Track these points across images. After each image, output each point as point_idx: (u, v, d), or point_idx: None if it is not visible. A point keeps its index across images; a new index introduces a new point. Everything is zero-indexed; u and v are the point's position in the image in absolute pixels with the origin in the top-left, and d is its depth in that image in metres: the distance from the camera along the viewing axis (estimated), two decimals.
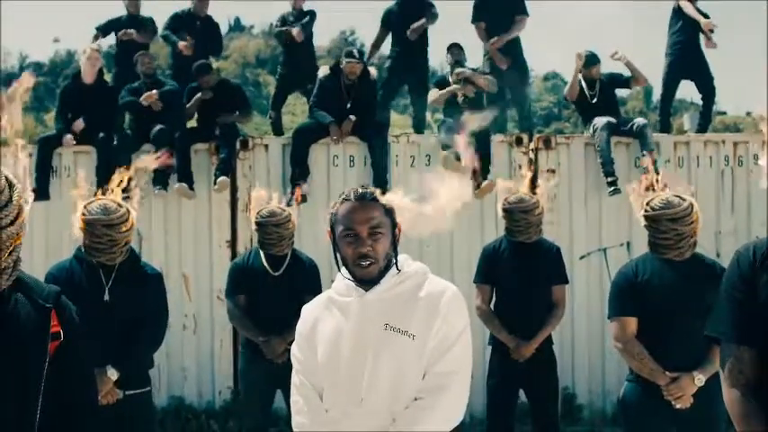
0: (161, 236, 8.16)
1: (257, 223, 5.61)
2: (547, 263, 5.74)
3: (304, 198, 7.60)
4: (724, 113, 35.71)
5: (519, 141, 8.38)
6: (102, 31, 9.54)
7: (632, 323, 4.33)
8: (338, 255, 2.83)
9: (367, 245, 2.75)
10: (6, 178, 2.12)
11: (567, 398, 7.71)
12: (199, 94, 8.38)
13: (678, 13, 9.16)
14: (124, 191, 4.72)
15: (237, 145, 8.25)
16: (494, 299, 5.83)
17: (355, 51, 8.65)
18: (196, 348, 8.18)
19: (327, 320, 2.86)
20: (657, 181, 4.61)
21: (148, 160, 6.05)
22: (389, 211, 2.83)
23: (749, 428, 2.29)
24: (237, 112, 8.51)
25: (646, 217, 4.40)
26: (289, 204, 5.97)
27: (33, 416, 2.11)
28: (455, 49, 8.83)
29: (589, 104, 8.56)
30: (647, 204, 4.42)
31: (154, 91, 8.29)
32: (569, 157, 8.37)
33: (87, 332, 2.30)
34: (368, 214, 2.77)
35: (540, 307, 5.65)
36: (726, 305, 2.39)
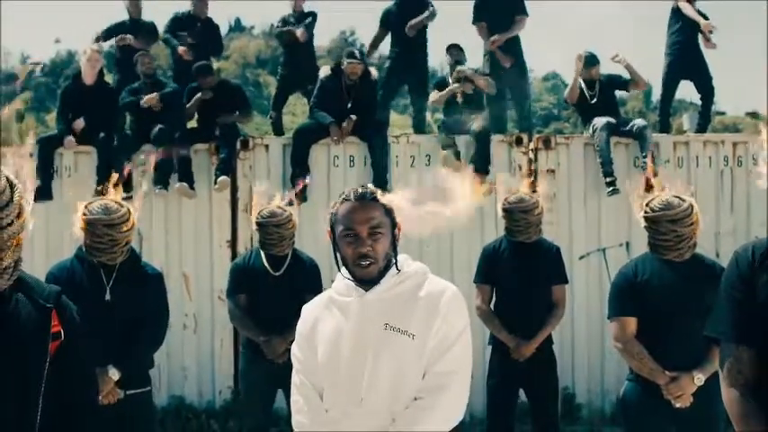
0: (161, 235, 8.18)
1: (258, 224, 5.62)
2: (547, 263, 5.75)
3: (304, 197, 7.62)
4: (723, 114, 35.69)
5: (519, 141, 8.40)
6: (104, 37, 9.55)
7: (632, 323, 4.33)
8: (338, 255, 2.83)
9: (367, 245, 2.76)
10: (7, 178, 2.13)
11: (566, 397, 7.72)
12: (199, 95, 8.40)
13: (677, 13, 9.18)
14: (126, 191, 4.75)
15: (238, 145, 8.28)
16: (494, 299, 5.84)
17: (356, 52, 8.67)
18: (196, 348, 8.20)
19: (327, 320, 2.86)
20: (652, 183, 4.61)
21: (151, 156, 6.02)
22: (389, 211, 2.84)
23: (748, 428, 2.30)
24: (238, 113, 8.53)
25: (645, 218, 4.41)
26: (290, 204, 5.98)
27: (34, 416, 2.12)
28: (454, 50, 8.85)
29: (589, 105, 8.57)
30: (647, 205, 4.42)
31: (154, 93, 8.31)
32: (569, 157, 8.39)
33: (88, 332, 2.31)
34: (368, 214, 2.78)
35: (539, 307, 5.66)
36: (725, 305, 2.39)
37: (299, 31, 9.23)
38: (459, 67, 8.64)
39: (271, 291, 5.57)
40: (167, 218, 8.21)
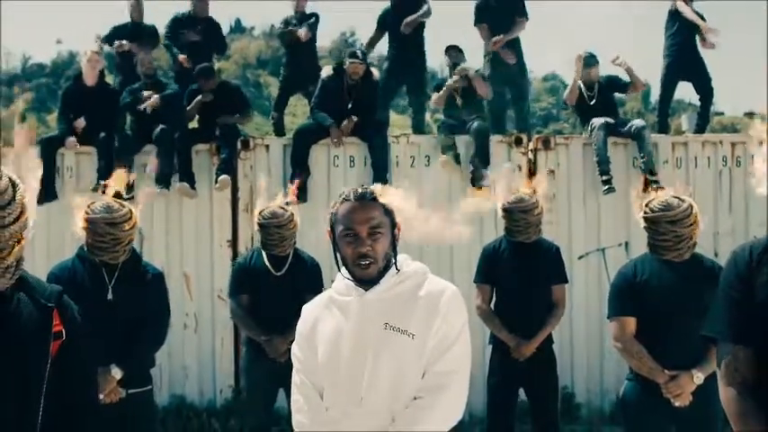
0: (162, 235, 8.19)
1: (259, 224, 5.65)
2: (546, 262, 5.75)
3: (304, 197, 7.64)
4: (722, 114, 35.72)
5: (518, 142, 8.41)
6: (107, 41, 9.57)
7: (631, 323, 4.35)
8: (338, 255, 2.83)
9: (366, 245, 2.76)
10: (9, 178, 2.14)
11: (565, 397, 7.72)
12: (199, 97, 8.41)
13: (675, 15, 9.19)
14: (128, 191, 4.77)
15: (239, 145, 8.30)
16: (494, 298, 5.84)
17: (358, 52, 8.66)
18: (197, 347, 8.21)
19: (327, 320, 2.86)
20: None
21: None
22: (389, 211, 2.84)
23: (746, 428, 2.31)
24: (238, 114, 8.55)
25: (645, 218, 4.43)
26: (289, 203, 6.00)
27: (35, 415, 2.14)
28: (453, 51, 8.86)
29: (587, 106, 8.57)
30: (647, 206, 4.44)
31: (155, 96, 8.33)
32: (568, 157, 8.40)
33: (90, 331, 2.33)
34: (367, 214, 2.78)
35: (539, 306, 5.67)
36: (723, 305, 2.40)
37: (302, 31, 9.24)
38: (462, 65, 8.66)
39: (272, 290, 5.59)
40: (168, 218, 8.22)
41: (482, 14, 9.45)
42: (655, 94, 16.83)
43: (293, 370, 2.92)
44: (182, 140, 8.23)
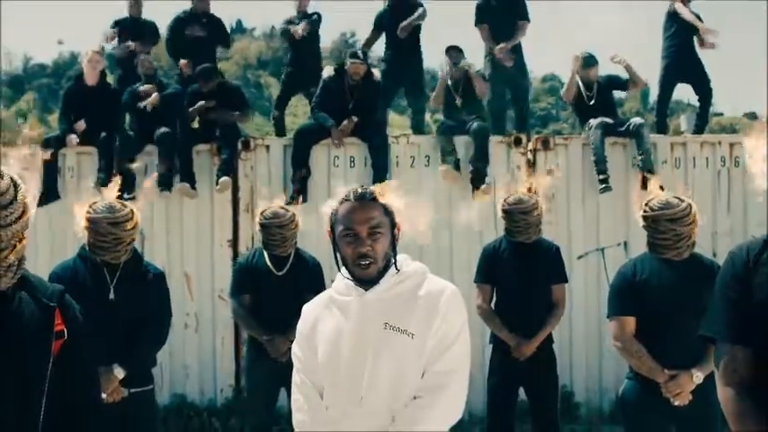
0: (163, 235, 8.22)
1: (261, 224, 5.67)
2: (546, 262, 5.76)
3: (304, 197, 7.67)
4: (721, 114, 35.71)
5: (517, 142, 8.43)
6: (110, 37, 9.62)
7: (631, 322, 4.37)
8: (338, 255, 2.83)
9: (366, 245, 2.76)
10: (11, 178, 2.15)
11: (564, 396, 7.73)
12: (202, 102, 8.42)
13: (673, 16, 9.20)
14: (129, 191, 4.80)
15: (239, 145, 8.33)
16: (494, 298, 5.85)
17: (359, 52, 8.67)
18: (198, 347, 8.23)
19: (327, 320, 2.86)
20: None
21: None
22: (389, 211, 2.84)
23: (744, 427, 2.31)
24: (238, 112, 8.57)
25: (645, 217, 4.45)
26: (289, 202, 6.03)
27: (37, 414, 2.14)
28: (453, 52, 8.86)
29: (587, 106, 8.60)
30: (646, 205, 4.46)
31: (155, 95, 8.36)
32: (567, 157, 8.43)
33: (92, 331, 2.34)
34: (367, 214, 2.78)
35: (540, 306, 5.68)
36: (720, 305, 2.41)
37: (298, 27, 9.27)
38: (463, 61, 8.69)
39: (274, 290, 5.62)
40: (169, 218, 8.24)
41: (483, 15, 9.47)
42: (653, 95, 16.84)
43: (293, 369, 2.93)
44: (182, 141, 8.25)
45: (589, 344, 8.17)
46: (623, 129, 8.34)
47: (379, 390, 2.74)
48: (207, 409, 8.06)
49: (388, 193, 2.88)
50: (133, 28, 9.48)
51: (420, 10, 9.34)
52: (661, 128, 9.37)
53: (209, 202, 8.30)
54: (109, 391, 4.44)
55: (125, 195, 4.76)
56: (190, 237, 8.30)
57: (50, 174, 8.00)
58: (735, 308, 2.36)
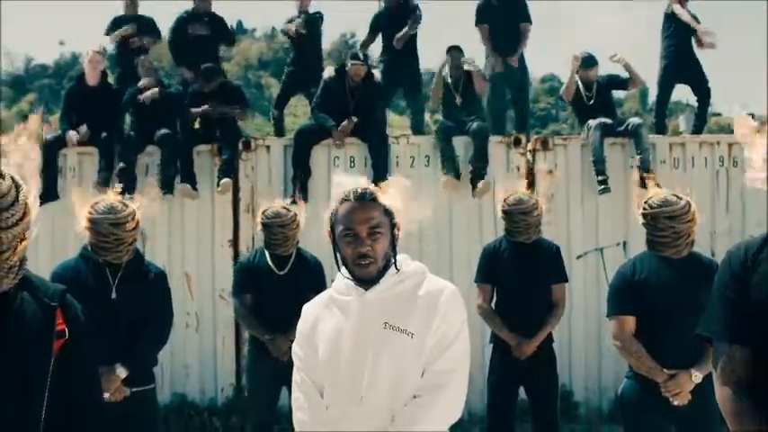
0: (164, 235, 8.24)
1: (263, 224, 5.69)
2: (546, 262, 5.78)
3: (305, 197, 7.69)
4: (719, 115, 35.68)
5: (517, 142, 8.45)
6: (110, 32, 9.64)
7: (630, 322, 4.39)
8: (338, 254, 2.83)
9: (366, 245, 2.76)
10: (12, 179, 2.15)
11: (563, 395, 7.74)
12: (205, 107, 8.43)
13: (670, 17, 9.23)
14: (130, 191, 4.81)
15: (240, 146, 8.36)
16: (494, 298, 5.87)
17: (360, 54, 8.69)
18: (199, 346, 8.26)
19: (328, 319, 2.86)
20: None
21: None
22: (389, 211, 2.83)
23: (741, 427, 2.32)
24: (238, 109, 8.59)
25: (644, 215, 4.47)
26: (294, 203, 6.06)
27: (38, 414, 2.14)
28: (455, 52, 8.89)
29: (586, 106, 8.62)
30: (646, 202, 4.49)
31: (155, 89, 8.38)
32: (566, 158, 8.45)
33: (93, 331, 2.34)
34: (367, 214, 2.78)
35: (540, 306, 5.70)
36: (718, 304, 2.41)
37: (291, 26, 9.28)
38: (464, 58, 8.71)
39: (275, 290, 5.63)
40: (170, 218, 8.25)
41: (483, 15, 9.48)
42: (652, 95, 16.85)
43: (294, 368, 2.93)
44: (183, 142, 8.28)
45: (588, 343, 8.19)
46: (622, 129, 8.37)
47: (378, 389, 2.74)
48: (207, 408, 8.08)
49: (388, 189, 2.89)
50: (131, 23, 9.49)
51: (413, 17, 9.36)
52: (660, 128, 9.39)
53: (210, 202, 8.33)
54: (111, 390, 4.44)
55: (126, 195, 4.76)
56: (191, 237, 8.32)
57: (50, 174, 8.03)
58: (732, 307, 2.37)
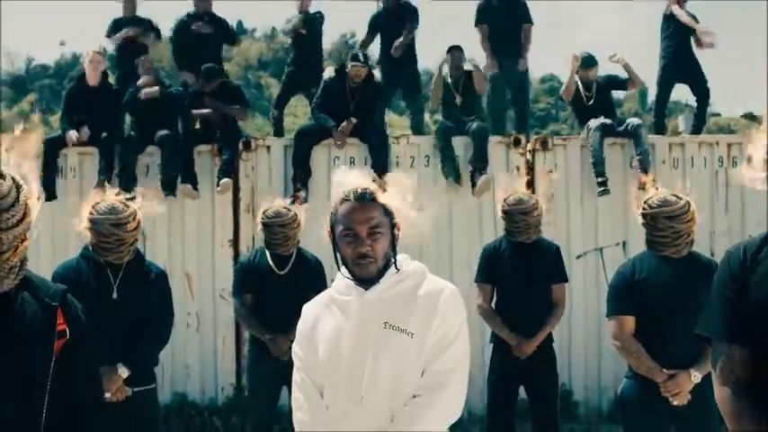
0: (165, 235, 8.25)
1: (263, 223, 5.70)
2: (546, 262, 5.79)
3: (305, 197, 7.71)
4: (718, 115, 35.72)
5: (516, 142, 8.46)
6: (111, 34, 9.66)
7: (630, 321, 4.39)
8: (338, 254, 2.84)
9: (366, 244, 2.76)
10: (13, 179, 2.14)
11: (563, 395, 7.74)
12: (206, 110, 8.44)
13: (669, 18, 9.25)
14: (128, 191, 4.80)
15: (240, 146, 8.37)
16: (495, 298, 5.87)
17: (360, 55, 8.69)
18: (199, 346, 8.27)
19: (328, 319, 2.87)
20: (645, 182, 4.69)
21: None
22: (388, 211, 2.83)
23: (740, 427, 2.32)
24: (237, 107, 8.60)
25: (644, 215, 4.48)
26: (293, 202, 6.07)
27: (39, 414, 2.14)
28: (456, 52, 8.90)
29: (585, 106, 8.63)
30: (645, 202, 4.50)
31: (155, 87, 8.39)
32: (566, 158, 8.47)
33: (94, 331, 2.34)
34: (367, 214, 2.78)
35: (540, 305, 5.70)
36: (717, 304, 2.42)
37: (293, 22, 9.30)
38: (467, 61, 8.73)
39: (276, 289, 5.64)
40: (170, 218, 8.25)
41: (483, 16, 9.49)
42: (652, 96, 16.85)
43: (294, 368, 2.93)
44: (184, 142, 8.29)
45: (588, 343, 8.20)
46: (621, 129, 8.38)
47: (378, 389, 2.74)
48: (208, 407, 8.09)
49: (388, 187, 2.89)
50: (131, 25, 9.51)
51: (414, 19, 9.36)
52: (659, 128, 9.40)
53: (211, 202, 8.34)
54: (113, 390, 4.46)
55: (126, 195, 4.75)
56: (191, 237, 8.34)
57: (49, 174, 8.04)
58: (731, 307, 2.37)
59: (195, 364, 8.27)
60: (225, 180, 8.10)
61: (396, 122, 14.79)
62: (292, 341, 3.00)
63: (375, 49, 9.92)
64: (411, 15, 9.43)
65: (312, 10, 9.59)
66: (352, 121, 8.26)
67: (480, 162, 8.19)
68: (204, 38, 9.28)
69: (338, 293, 2.89)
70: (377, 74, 8.79)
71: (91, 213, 4.52)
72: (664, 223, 4.40)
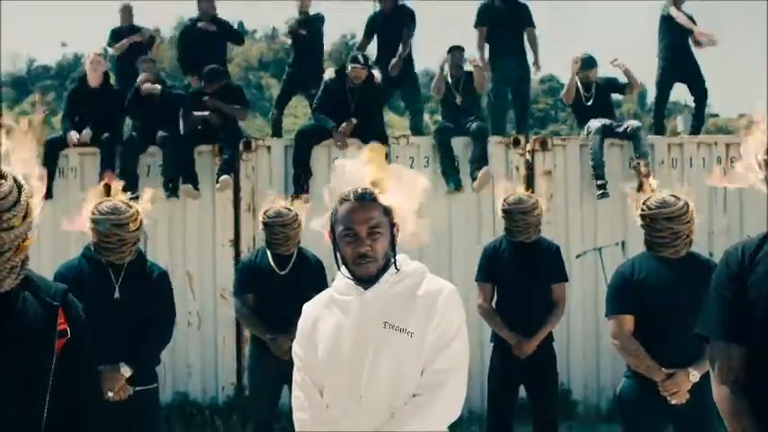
0: (166, 235, 8.27)
1: (264, 223, 5.71)
2: (546, 261, 5.79)
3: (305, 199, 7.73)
4: (716, 116, 35.73)
5: (516, 143, 8.48)
6: (112, 43, 9.74)
7: (629, 321, 4.41)
8: (338, 254, 2.84)
9: (366, 244, 2.76)
10: (14, 179, 2.14)
11: (562, 394, 7.75)
12: (207, 113, 8.46)
13: (667, 19, 9.27)
14: (132, 191, 4.81)
15: (241, 146, 8.39)
16: (495, 297, 5.88)
17: (360, 57, 8.69)
18: (200, 345, 8.29)
19: (328, 319, 2.87)
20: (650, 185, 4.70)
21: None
22: (388, 212, 2.83)
23: (739, 425, 2.34)
24: (238, 106, 8.63)
25: (642, 216, 4.49)
26: (293, 200, 6.08)
27: (40, 413, 2.15)
28: (456, 52, 8.91)
29: (585, 107, 8.65)
30: (644, 203, 4.51)
31: (156, 85, 8.41)
32: (565, 158, 8.48)
33: (95, 330, 2.34)
34: (367, 214, 2.78)
35: (540, 305, 5.71)
36: (715, 304, 2.44)
37: (290, 23, 9.34)
38: (468, 61, 8.74)
39: (277, 289, 5.65)
40: (172, 218, 8.29)
41: (484, 17, 9.48)
42: (651, 96, 16.87)
43: (294, 368, 2.93)
44: (185, 142, 8.32)
45: (587, 342, 8.22)
46: (621, 130, 8.39)
47: (378, 388, 2.75)
48: (209, 406, 8.10)
49: (388, 181, 2.89)
50: (130, 33, 9.58)
51: (412, 24, 9.37)
52: (658, 129, 9.42)
53: (211, 202, 8.36)
54: (116, 389, 4.46)
55: (128, 195, 4.76)
56: (192, 236, 8.35)
57: (49, 174, 8.05)
58: (730, 307, 2.39)
59: (196, 363, 8.29)
60: (224, 177, 8.11)
61: (395, 123, 14.82)
62: (293, 341, 3.01)
63: (374, 50, 9.96)
64: (408, 18, 9.44)
65: (312, 11, 9.62)
66: (353, 122, 8.28)
67: (480, 162, 8.21)
68: (209, 37, 9.30)
69: (338, 293, 2.89)
70: (377, 74, 8.80)
71: (93, 213, 4.53)
72: (662, 224, 4.42)
